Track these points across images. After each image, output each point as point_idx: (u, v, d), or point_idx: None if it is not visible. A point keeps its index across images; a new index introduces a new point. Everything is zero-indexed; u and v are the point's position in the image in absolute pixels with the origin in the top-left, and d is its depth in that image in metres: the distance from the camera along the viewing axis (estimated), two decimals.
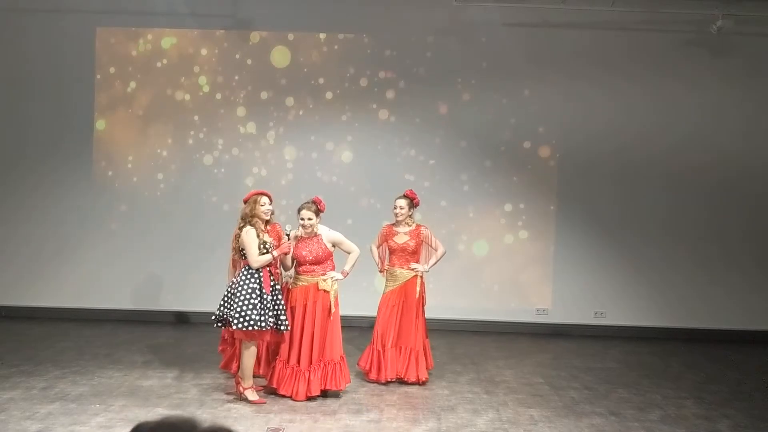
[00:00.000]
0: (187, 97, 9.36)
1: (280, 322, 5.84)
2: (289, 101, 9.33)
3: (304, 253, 6.02)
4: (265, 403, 5.81)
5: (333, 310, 6.00)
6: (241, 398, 5.87)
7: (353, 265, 6.17)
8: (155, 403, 5.74)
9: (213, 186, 9.26)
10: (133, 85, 9.35)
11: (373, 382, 6.50)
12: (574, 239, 9.27)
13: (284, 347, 6.03)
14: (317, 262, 6.03)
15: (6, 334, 8.23)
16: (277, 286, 5.91)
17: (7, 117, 9.37)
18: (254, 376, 6.04)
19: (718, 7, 8.50)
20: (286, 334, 5.99)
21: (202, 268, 8.97)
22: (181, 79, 9.34)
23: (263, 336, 5.81)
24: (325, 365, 5.98)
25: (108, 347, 7.68)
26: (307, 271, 6.05)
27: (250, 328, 5.66)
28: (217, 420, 5.35)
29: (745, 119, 9.22)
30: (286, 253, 5.94)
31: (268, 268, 5.82)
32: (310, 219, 5.99)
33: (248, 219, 5.84)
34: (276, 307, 5.82)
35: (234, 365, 6.21)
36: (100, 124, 9.38)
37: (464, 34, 9.21)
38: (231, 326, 5.77)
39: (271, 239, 5.90)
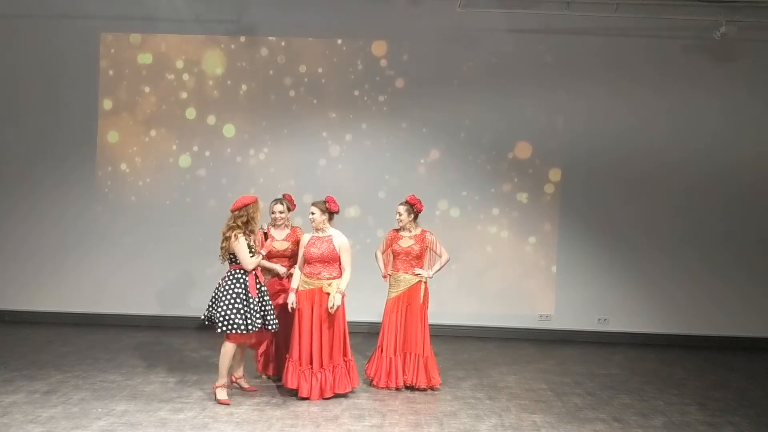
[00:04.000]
0: (192, 101, 9.38)
1: (267, 323, 6.01)
2: (293, 106, 9.34)
3: (312, 250, 6.12)
4: (230, 404, 5.91)
5: (333, 305, 6.04)
6: (232, 386, 6.24)
7: (346, 285, 6.19)
8: (157, 407, 5.73)
9: (217, 192, 9.26)
10: (137, 90, 9.37)
11: (384, 389, 6.49)
12: (577, 245, 9.25)
13: (295, 348, 6.12)
14: (323, 260, 6.10)
15: (8, 338, 8.25)
16: (263, 288, 6.07)
17: (11, 122, 9.40)
18: (268, 375, 6.63)
19: (721, 14, 8.50)
20: (296, 336, 6.12)
21: (204, 274, 8.98)
22: (185, 85, 9.36)
23: (248, 338, 6.01)
24: (334, 368, 6.14)
25: (110, 352, 7.68)
26: (314, 273, 6.13)
27: (234, 331, 5.85)
28: (218, 424, 5.35)
29: (749, 125, 9.20)
30: (270, 250, 6.27)
31: (254, 272, 5.99)
32: (313, 214, 6.17)
33: (247, 223, 5.98)
34: (263, 309, 6.00)
35: (269, 366, 6.64)
36: (104, 130, 9.40)
37: (468, 40, 9.22)
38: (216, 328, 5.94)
39: (254, 242, 6.12)
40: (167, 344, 8.14)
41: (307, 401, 6.03)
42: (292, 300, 6.17)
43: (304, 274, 6.18)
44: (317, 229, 6.20)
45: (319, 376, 6.08)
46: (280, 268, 6.45)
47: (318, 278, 6.11)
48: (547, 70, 9.23)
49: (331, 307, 6.03)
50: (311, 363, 6.10)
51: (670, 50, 9.17)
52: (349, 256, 6.20)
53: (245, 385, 6.30)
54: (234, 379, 6.31)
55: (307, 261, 6.16)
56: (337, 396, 6.18)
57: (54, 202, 9.35)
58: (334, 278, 6.12)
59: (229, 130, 9.38)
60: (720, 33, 8.55)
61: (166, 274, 9.30)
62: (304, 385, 6.08)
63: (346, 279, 6.16)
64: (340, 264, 6.17)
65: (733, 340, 9.11)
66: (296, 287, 6.18)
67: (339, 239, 6.17)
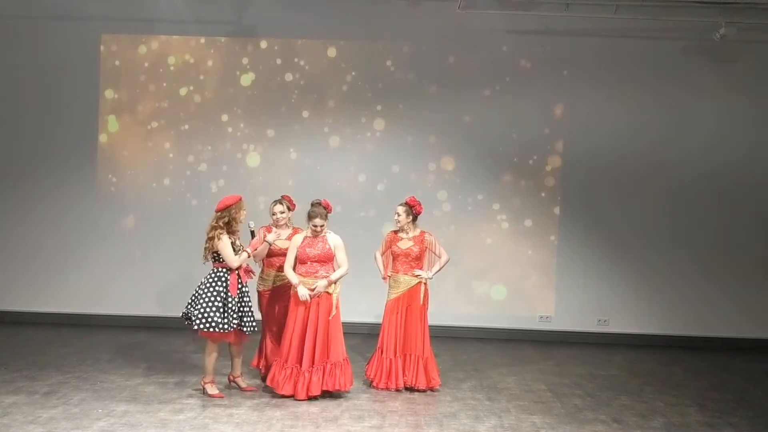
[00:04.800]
0: (193, 102, 9.39)
1: (243, 324, 6.07)
2: (294, 108, 9.36)
3: (308, 250, 6.17)
4: (223, 397, 6.07)
5: (333, 312, 6.14)
6: (230, 386, 6.35)
7: (339, 278, 6.23)
8: (157, 408, 5.74)
9: (218, 192, 9.25)
10: (137, 90, 9.39)
11: (384, 390, 6.50)
12: (577, 246, 9.26)
13: (284, 349, 6.13)
14: (321, 260, 6.17)
15: (9, 339, 8.26)
16: (245, 289, 6.14)
17: (11, 123, 9.41)
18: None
19: (721, 15, 8.51)
20: (286, 336, 6.15)
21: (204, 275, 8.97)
22: (186, 86, 9.37)
23: (225, 337, 6.05)
24: (331, 366, 6.12)
25: (110, 353, 7.69)
26: (311, 273, 6.16)
27: (210, 329, 5.93)
28: (218, 425, 5.36)
29: (748, 126, 9.20)
30: (256, 249, 6.27)
31: (236, 271, 6.06)
32: (322, 226, 6.18)
33: (228, 224, 6.06)
34: (242, 309, 6.07)
35: (260, 361, 6.65)
36: (104, 130, 9.42)
37: (468, 41, 9.23)
38: (192, 325, 6.03)
39: (240, 241, 6.19)
40: (167, 345, 8.15)
41: (307, 402, 6.02)
42: (304, 292, 6.08)
43: (300, 274, 6.19)
44: (319, 233, 6.21)
45: (306, 375, 6.04)
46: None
47: (315, 277, 6.15)
48: (547, 71, 9.23)
49: (313, 289, 6.07)
50: (299, 362, 6.07)
51: (670, 51, 9.18)
52: (344, 253, 6.26)
53: (243, 385, 6.36)
54: (232, 378, 6.37)
55: (302, 261, 6.19)
56: (333, 397, 6.18)
57: (54, 202, 9.36)
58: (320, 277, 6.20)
59: (229, 129, 9.39)
60: (719, 34, 8.56)
61: (166, 275, 9.30)
62: (285, 384, 6.04)
63: (339, 272, 6.20)
64: (333, 263, 6.22)
65: (732, 342, 9.11)
66: (298, 281, 6.15)
67: (334, 239, 6.23)
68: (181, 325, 8.97)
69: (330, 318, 6.11)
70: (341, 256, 6.22)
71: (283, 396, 6.06)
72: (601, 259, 9.27)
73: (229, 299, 5.99)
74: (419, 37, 9.27)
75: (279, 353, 6.19)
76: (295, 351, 6.09)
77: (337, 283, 6.22)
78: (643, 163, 9.22)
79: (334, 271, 6.21)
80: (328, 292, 6.14)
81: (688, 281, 9.20)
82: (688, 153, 9.20)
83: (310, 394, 6.04)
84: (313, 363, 6.06)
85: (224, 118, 9.38)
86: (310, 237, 6.23)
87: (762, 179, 9.20)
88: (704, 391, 6.95)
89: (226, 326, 5.95)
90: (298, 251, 6.19)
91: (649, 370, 7.86)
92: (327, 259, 6.17)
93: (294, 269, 6.20)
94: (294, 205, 6.82)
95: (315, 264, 6.16)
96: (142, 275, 9.31)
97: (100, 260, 9.36)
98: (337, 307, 6.17)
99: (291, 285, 6.36)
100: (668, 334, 9.18)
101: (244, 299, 6.11)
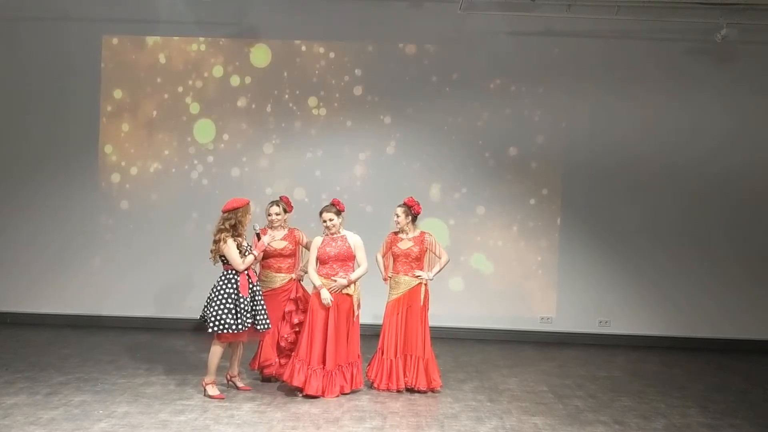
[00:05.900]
0: (194, 103, 9.40)
1: (257, 322, 6.11)
2: (294, 106, 9.36)
3: (328, 249, 6.24)
4: (223, 398, 6.09)
5: (357, 313, 6.30)
6: (228, 384, 6.37)
7: (359, 277, 6.35)
8: (158, 410, 5.74)
9: (219, 193, 9.26)
10: (139, 92, 9.40)
11: (384, 391, 6.51)
12: (578, 247, 9.25)
13: (305, 348, 6.19)
14: (340, 260, 6.25)
15: (10, 340, 8.26)
16: (256, 288, 6.17)
17: (13, 124, 9.42)
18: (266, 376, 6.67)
19: (722, 16, 8.51)
20: (307, 335, 6.20)
21: (206, 276, 8.95)
22: (187, 87, 9.38)
23: (238, 337, 6.11)
24: (349, 365, 6.30)
25: (111, 354, 7.69)
26: (331, 274, 6.25)
27: (225, 331, 5.97)
28: (219, 426, 5.35)
29: (751, 127, 9.19)
30: (263, 251, 6.30)
31: (246, 272, 6.08)
32: (331, 220, 6.27)
33: (235, 227, 6.07)
34: (254, 308, 6.10)
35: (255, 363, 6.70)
36: (106, 132, 9.42)
37: (469, 42, 9.24)
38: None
39: (247, 242, 6.22)
40: (168, 346, 8.15)
41: (309, 402, 6.04)
42: (327, 296, 6.16)
43: (321, 275, 6.27)
44: (334, 233, 6.28)
45: (335, 374, 6.18)
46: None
47: (336, 278, 6.23)
48: (548, 73, 9.23)
49: (332, 287, 6.19)
50: (322, 363, 6.16)
51: (672, 53, 9.17)
52: (364, 252, 6.36)
53: (240, 384, 6.39)
54: (229, 378, 6.40)
55: (322, 261, 6.28)
56: (343, 394, 6.25)
57: (56, 204, 9.37)
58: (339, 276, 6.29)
59: (230, 131, 9.39)
60: (721, 35, 8.56)
61: (167, 276, 9.30)
62: (314, 383, 6.13)
63: (359, 272, 6.31)
64: (354, 263, 6.32)
65: (734, 343, 9.10)
66: (321, 284, 6.22)
67: (353, 238, 6.34)
68: (182, 326, 9.10)
69: (354, 319, 6.26)
70: (361, 256, 6.32)
71: (309, 396, 6.12)
72: (602, 260, 9.26)
73: (240, 300, 6.02)
74: (420, 38, 9.27)
75: (297, 353, 6.22)
76: (318, 351, 6.16)
77: (357, 283, 6.30)
78: (645, 164, 9.22)
79: (353, 271, 6.29)
80: (348, 294, 6.24)
81: (690, 282, 9.19)
82: (690, 153, 9.20)
83: (343, 391, 6.21)
84: (337, 363, 6.18)
85: (225, 115, 9.38)
86: (328, 237, 6.30)
87: (764, 179, 9.18)
88: (706, 393, 6.94)
89: (239, 327, 5.98)
90: (318, 252, 6.27)
91: (651, 371, 7.85)
92: (347, 258, 6.25)
93: (317, 270, 6.31)
94: (291, 207, 6.81)
95: (335, 265, 6.24)
96: (142, 277, 9.30)
97: (102, 262, 9.36)
98: (358, 307, 6.32)
99: (288, 287, 6.49)
100: (670, 335, 9.17)
101: (257, 298, 6.14)
